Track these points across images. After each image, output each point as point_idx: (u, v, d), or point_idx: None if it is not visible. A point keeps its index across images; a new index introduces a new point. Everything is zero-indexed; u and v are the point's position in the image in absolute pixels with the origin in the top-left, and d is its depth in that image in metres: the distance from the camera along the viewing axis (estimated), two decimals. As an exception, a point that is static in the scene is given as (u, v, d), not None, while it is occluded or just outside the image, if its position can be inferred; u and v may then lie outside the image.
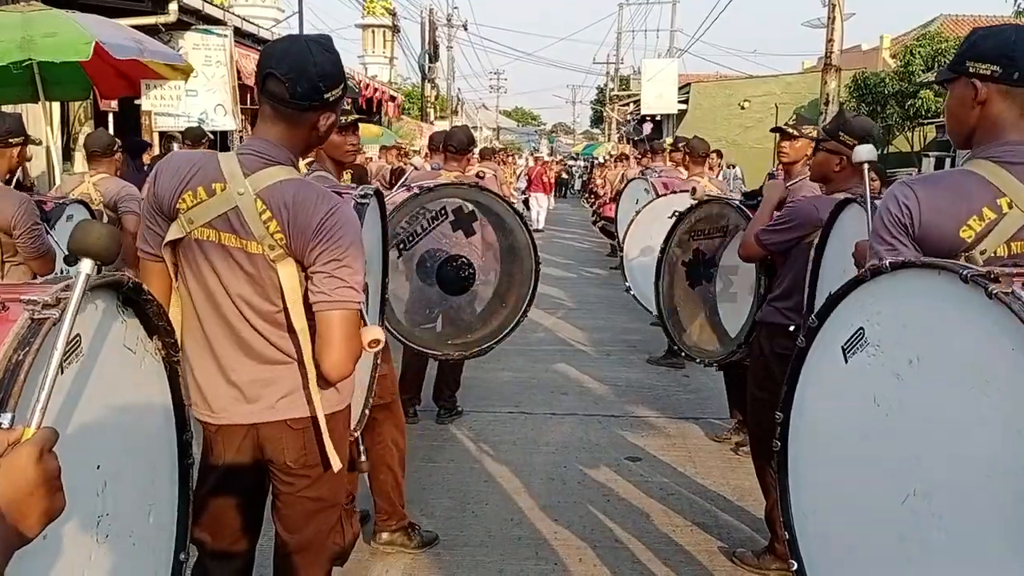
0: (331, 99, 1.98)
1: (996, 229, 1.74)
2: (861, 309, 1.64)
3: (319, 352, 1.99)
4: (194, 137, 6.49)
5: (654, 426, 5.31)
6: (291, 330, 2.02)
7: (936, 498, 1.41)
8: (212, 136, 7.00)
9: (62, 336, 1.15)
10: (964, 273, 1.34)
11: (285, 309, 2.00)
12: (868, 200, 2.25)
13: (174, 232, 2.01)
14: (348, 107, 2.90)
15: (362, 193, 2.56)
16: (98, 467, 1.41)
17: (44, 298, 1.24)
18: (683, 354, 4.65)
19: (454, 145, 5.12)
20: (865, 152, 2.26)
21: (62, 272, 3.67)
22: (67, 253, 3.80)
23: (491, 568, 3.45)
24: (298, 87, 1.92)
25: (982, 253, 1.75)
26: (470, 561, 3.50)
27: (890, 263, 1.56)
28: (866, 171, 2.28)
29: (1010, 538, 1.25)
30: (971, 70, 1.84)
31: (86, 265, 1.23)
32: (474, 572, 3.43)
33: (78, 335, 1.34)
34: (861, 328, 1.62)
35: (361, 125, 3.17)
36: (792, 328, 3.16)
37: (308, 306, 1.99)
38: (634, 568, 3.46)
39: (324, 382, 2.07)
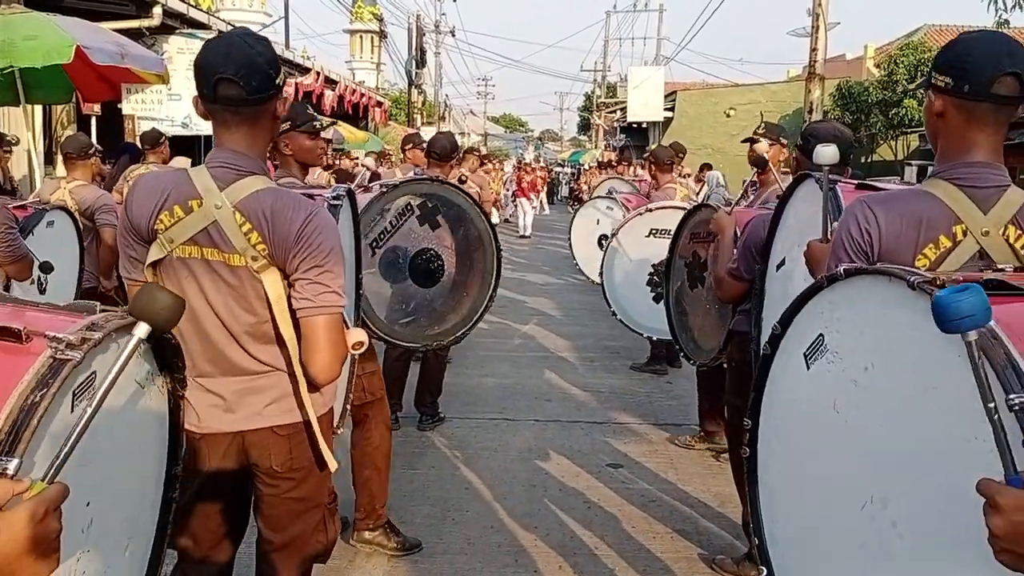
0: (280, 83, 2.01)
1: (950, 258, 1.72)
2: (821, 316, 1.64)
3: (306, 357, 2.00)
4: (152, 140, 6.42)
5: (636, 432, 5.32)
6: (278, 339, 2.03)
7: (892, 505, 1.41)
8: (170, 138, 6.88)
9: (97, 399, 1.11)
10: (911, 280, 1.34)
11: (272, 319, 2.01)
12: (824, 203, 2.20)
13: (155, 253, 2.01)
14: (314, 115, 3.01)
15: (334, 194, 2.56)
16: (88, 504, 1.35)
17: (69, 337, 1.18)
18: (691, 360, 4.64)
19: (437, 151, 5.10)
20: (824, 155, 2.13)
21: (39, 279, 3.64)
22: (42, 261, 3.75)
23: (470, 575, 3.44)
24: (253, 82, 1.93)
25: None
26: (449, 568, 3.49)
27: (844, 270, 1.56)
28: (825, 174, 2.18)
29: (962, 545, 1.24)
30: (932, 80, 1.79)
31: (141, 329, 1.17)
32: (453, 579, 3.42)
33: (94, 372, 1.26)
34: (821, 335, 1.62)
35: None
36: None
37: (292, 313, 2.00)
38: None
39: (310, 387, 2.08)
